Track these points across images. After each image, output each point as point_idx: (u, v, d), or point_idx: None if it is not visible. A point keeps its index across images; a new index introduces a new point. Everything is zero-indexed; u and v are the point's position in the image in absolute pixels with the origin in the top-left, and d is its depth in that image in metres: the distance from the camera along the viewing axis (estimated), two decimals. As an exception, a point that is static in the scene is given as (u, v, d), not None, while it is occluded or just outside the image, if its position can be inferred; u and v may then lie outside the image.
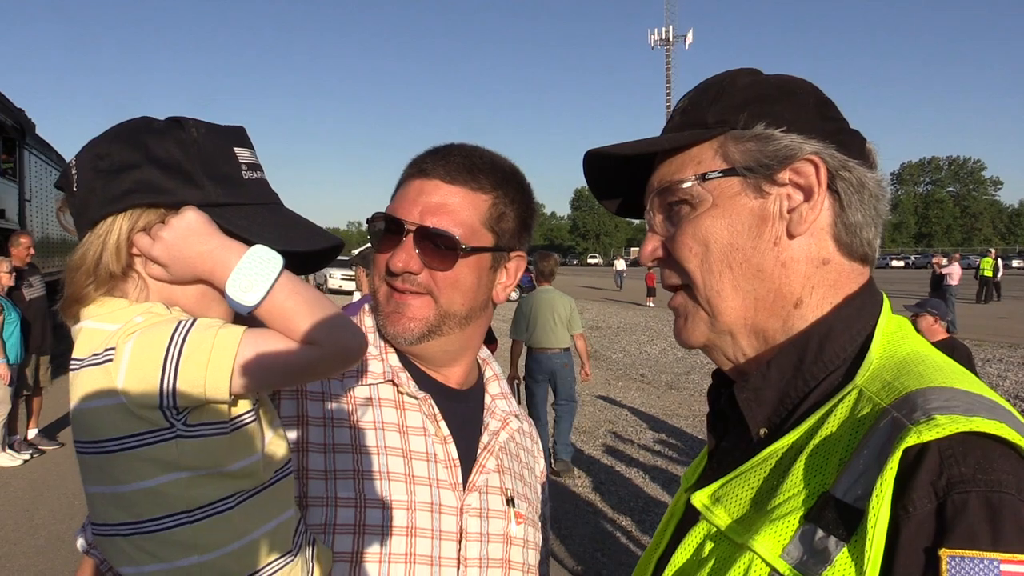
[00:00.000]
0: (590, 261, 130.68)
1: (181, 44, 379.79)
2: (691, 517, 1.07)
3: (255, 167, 1.19)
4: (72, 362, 1.10)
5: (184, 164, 1.11)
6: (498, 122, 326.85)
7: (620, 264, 51.20)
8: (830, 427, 0.93)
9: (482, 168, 1.49)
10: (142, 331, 1.05)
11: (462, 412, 1.55)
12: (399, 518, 1.35)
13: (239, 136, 1.19)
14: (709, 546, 0.99)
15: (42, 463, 8.92)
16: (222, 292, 1.08)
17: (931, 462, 0.79)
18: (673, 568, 1.04)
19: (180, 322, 1.05)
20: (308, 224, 1.22)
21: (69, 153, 1.45)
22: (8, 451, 8.82)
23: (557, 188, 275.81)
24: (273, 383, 1.12)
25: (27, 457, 8.94)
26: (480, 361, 1.69)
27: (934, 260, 24.62)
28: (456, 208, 1.44)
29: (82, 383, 1.07)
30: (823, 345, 1.02)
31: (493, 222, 1.49)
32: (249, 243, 1.09)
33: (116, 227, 1.10)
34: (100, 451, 1.06)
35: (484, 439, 1.55)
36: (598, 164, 1.21)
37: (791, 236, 1.03)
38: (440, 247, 1.42)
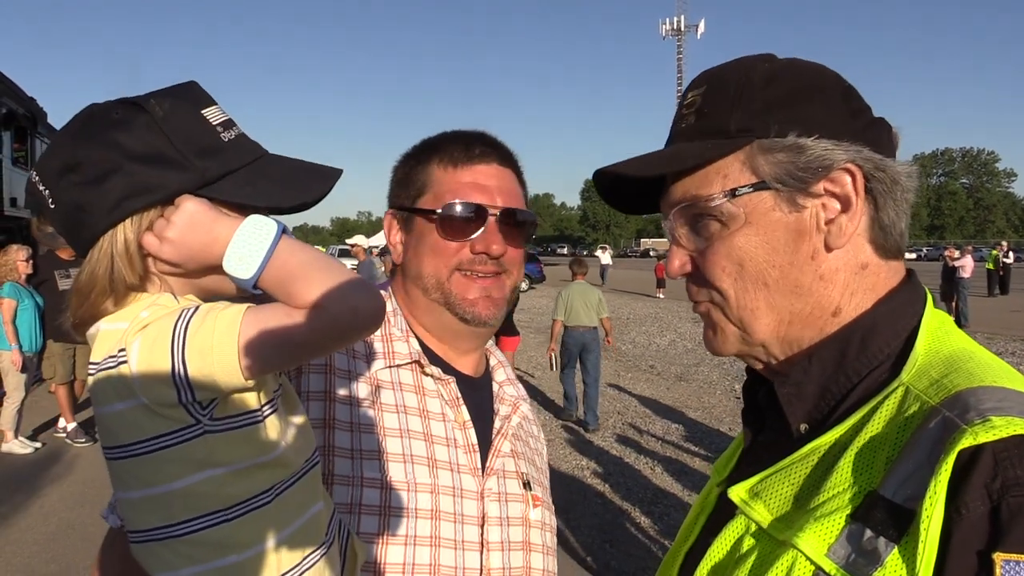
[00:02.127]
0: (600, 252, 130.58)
1: (187, 32, 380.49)
2: (725, 511, 1.06)
3: (228, 124, 1.11)
4: (90, 367, 1.06)
5: (164, 150, 1.04)
6: (508, 112, 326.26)
7: (605, 257, 45.39)
8: (876, 425, 0.90)
9: (508, 150, 1.58)
10: (147, 328, 1.01)
11: (476, 399, 1.56)
12: (423, 501, 1.36)
13: (198, 95, 1.11)
14: (749, 542, 0.97)
15: (54, 450, 8.98)
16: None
17: (985, 464, 0.77)
18: (710, 563, 1.01)
19: (183, 311, 1.01)
20: (304, 166, 1.15)
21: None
22: (21, 439, 8.89)
23: (567, 178, 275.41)
24: (285, 358, 1.04)
25: (39, 444, 9.00)
26: (485, 349, 1.71)
27: (946, 252, 24.45)
28: (517, 189, 1.55)
29: (102, 388, 1.03)
30: (866, 341, 0.99)
31: (527, 199, 1.59)
32: (259, 212, 1.05)
33: (120, 238, 1.04)
34: (128, 455, 1.03)
35: (497, 424, 1.57)
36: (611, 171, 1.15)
37: (829, 249, 0.99)
38: (519, 226, 1.50)
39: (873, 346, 0.98)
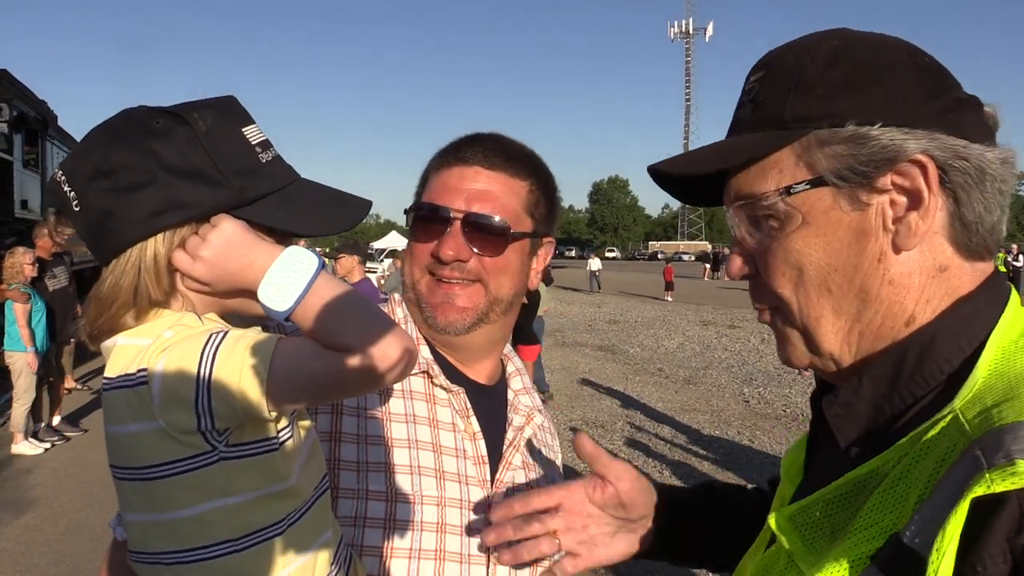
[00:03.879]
0: (608, 255, 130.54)
1: (197, 32, 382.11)
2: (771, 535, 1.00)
3: (266, 144, 1.09)
4: (104, 381, 1.03)
5: (203, 166, 1.01)
6: (515, 115, 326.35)
7: (595, 263, 40.87)
8: (915, 458, 0.80)
9: (516, 155, 1.50)
10: (171, 348, 0.97)
11: (489, 407, 1.54)
12: (429, 514, 1.34)
13: (238, 112, 1.09)
14: (779, 569, 0.93)
15: (64, 451, 9.00)
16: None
17: (1009, 516, 0.67)
18: None
19: (210, 336, 0.98)
20: (336, 195, 1.15)
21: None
22: (31, 439, 8.92)
23: (575, 181, 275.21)
24: (312, 396, 1.03)
25: (48, 445, 9.04)
26: (503, 356, 1.69)
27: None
28: (499, 194, 1.45)
29: (116, 406, 1.00)
30: (923, 358, 0.87)
31: (531, 207, 1.50)
32: (290, 237, 1.05)
33: (150, 252, 1.02)
34: (140, 477, 1.00)
35: (509, 435, 1.53)
36: (658, 169, 1.07)
37: (898, 250, 0.88)
38: (489, 233, 1.42)
39: (930, 364, 0.87)
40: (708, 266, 58.44)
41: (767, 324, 1.02)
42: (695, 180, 1.03)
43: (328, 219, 1.10)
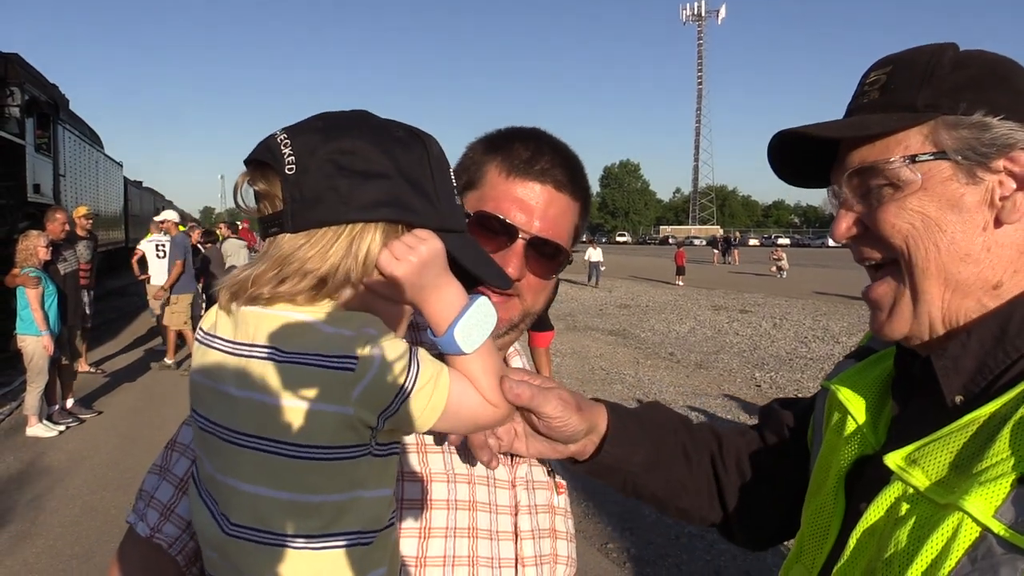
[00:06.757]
0: (619, 239, 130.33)
1: (207, 22, 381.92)
2: (874, 478, 1.08)
3: (457, 189, 1.16)
4: (267, 350, 1.02)
5: (426, 184, 1.08)
6: (525, 98, 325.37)
7: (596, 254, 33.20)
8: None
9: (577, 173, 1.49)
10: (384, 348, 1.02)
11: None
12: (462, 492, 1.35)
13: (444, 154, 1.16)
14: (905, 507, 1.00)
15: (78, 434, 9.09)
16: (424, 324, 1.11)
17: None
18: (865, 526, 1.04)
19: (411, 349, 1.05)
20: (486, 254, 1.22)
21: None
22: (45, 422, 9.01)
23: (585, 165, 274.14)
24: (458, 429, 1.16)
25: (63, 428, 9.13)
26: None
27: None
28: (562, 219, 1.45)
29: (298, 379, 1.00)
30: None
31: (579, 226, 1.52)
32: (466, 275, 1.11)
33: (367, 238, 1.04)
34: (298, 455, 1.00)
35: None
36: (783, 138, 1.18)
37: (1000, 224, 1.04)
38: (547, 257, 1.43)
39: None
40: (717, 251, 58.19)
41: (873, 300, 1.14)
42: (803, 157, 1.20)
43: (490, 274, 1.18)
